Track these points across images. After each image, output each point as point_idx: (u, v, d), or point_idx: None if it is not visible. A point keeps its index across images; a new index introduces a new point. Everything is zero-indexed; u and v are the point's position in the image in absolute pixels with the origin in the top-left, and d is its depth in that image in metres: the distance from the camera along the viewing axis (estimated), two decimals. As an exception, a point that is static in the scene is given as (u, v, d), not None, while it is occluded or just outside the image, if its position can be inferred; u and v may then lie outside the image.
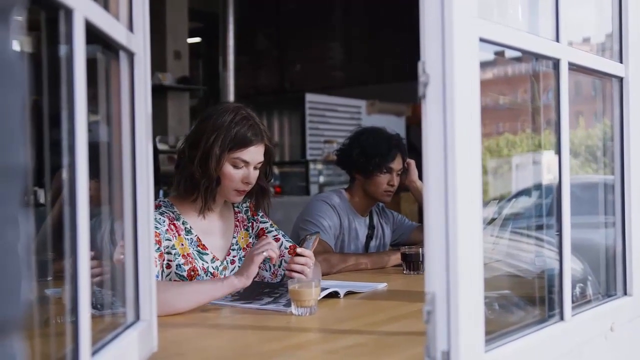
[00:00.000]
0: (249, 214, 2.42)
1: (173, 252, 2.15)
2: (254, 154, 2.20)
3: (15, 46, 0.60)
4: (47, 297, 1.52)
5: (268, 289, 2.14)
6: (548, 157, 1.88)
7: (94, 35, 1.12)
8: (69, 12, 1.00)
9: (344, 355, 1.50)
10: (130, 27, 1.36)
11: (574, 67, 1.58)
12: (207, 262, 2.22)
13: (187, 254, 2.18)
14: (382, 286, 2.35)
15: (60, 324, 1.37)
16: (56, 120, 1.04)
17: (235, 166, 2.19)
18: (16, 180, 0.59)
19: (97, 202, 1.33)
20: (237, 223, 2.38)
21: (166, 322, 1.73)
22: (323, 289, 2.03)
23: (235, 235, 2.35)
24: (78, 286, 1.01)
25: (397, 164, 3.02)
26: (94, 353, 1.10)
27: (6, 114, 0.57)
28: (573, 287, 1.60)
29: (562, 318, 1.51)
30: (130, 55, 1.35)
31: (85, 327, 1.02)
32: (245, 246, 2.36)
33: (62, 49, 1.03)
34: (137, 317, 1.38)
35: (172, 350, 1.52)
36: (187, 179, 2.20)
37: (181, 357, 1.53)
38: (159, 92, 6.98)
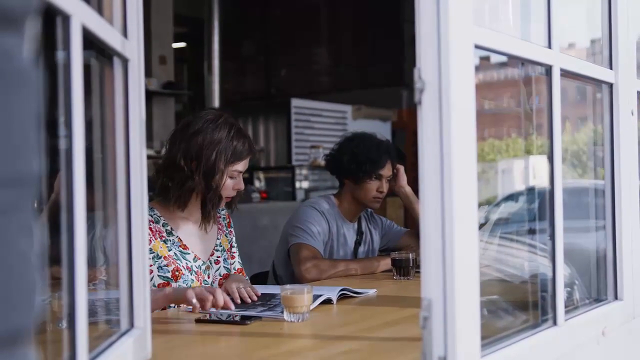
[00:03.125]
0: (226, 222, 2.51)
1: (151, 255, 2.19)
2: (247, 163, 2.34)
3: (29, 55, 0.60)
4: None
5: (261, 300, 2.13)
6: (534, 162, 1.89)
7: (88, 40, 1.11)
8: (66, 18, 0.99)
9: (340, 362, 1.50)
10: (125, 33, 1.35)
11: (565, 73, 1.59)
12: (189, 261, 2.28)
13: (169, 255, 2.24)
14: (372, 292, 2.35)
15: (53, 331, 1.37)
16: (51, 126, 1.03)
17: (231, 177, 2.30)
18: (30, 188, 0.58)
19: (89, 208, 1.32)
20: (220, 226, 2.46)
21: (160, 330, 1.72)
22: (316, 296, 2.03)
23: (218, 237, 2.43)
24: (75, 293, 1.00)
25: (387, 171, 3.02)
26: (90, 361, 1.09)
27: (22, 122, 0.56)
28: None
29: (555, 323, 1.52)
30: (125, 62, 1.35)
31: (83, 334, 1.01)
32: (226, 249, 2.45)
33: (59, 55, 1.02)
34: (132, 325, 1.37)
35: (165, 358, 1.51)
36: (188, 192, 2.26)
37: (175, 364, 1.52)
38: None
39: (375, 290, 2.37)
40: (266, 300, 2.13)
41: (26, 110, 0.58)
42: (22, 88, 0.57)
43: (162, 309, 2.10)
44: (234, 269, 2.45)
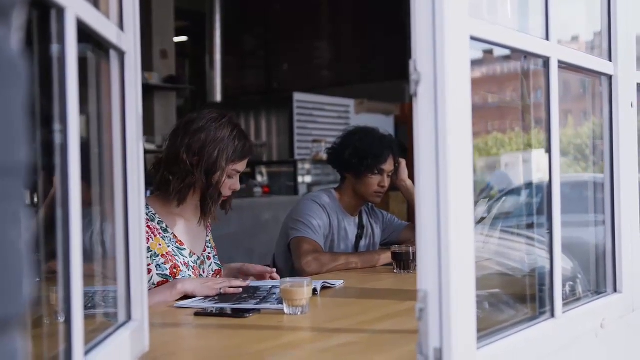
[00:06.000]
0: (210, 221, 2.53)
1: (149, 254, 2.20)
2: (245, 164, 2.37)
3: (16, 45, 0.60)
4: (36, 297, 1.51)
5: (246, 294, 2.13)
6: (537, 156, 1.89)
7: (84, 33, 1.11)
8: (60, 11, 0.99)
9: (337, 354, 1.50)
10: (121, 26, 1.35)
11: (563, 65, 1.58)
12: (186, 257, 2.31)
13: (167, 253, 2.27)
14: (339, 283, 2.37)
15: (50, 325, 1.37)
16: (46, 121, 1.03)
17: (230, 176, 2.33)
18: (18, 178, 0.59)
19: (86, 202, 1.32)
20: (208, 225, 2.50)
21: (157, 323, 1.72)
22: None
23: (208, 234, 2.48)
24: (71, 287, 1.01)
25: (388, 166, 3.02)
26: (87, 353, 1.10)
27: (9, 112, 0.57)
28: (563, 285, 1.61)
29: (553, 315, 1.52)
30: (121, 55, 1.35)
31: (79, 327, 1.01)
32: (214, 246, 2.50)
33: (54, 48, 1.02)
34: (129, 317, 1.37)
35: (163, 350, 1.52)
36: (187, 187, 2.28)
37: (172, 356, 1.52)
38: (145, 92, 6.90)
39: (343, 281, 2.40)
40: (253, 293, 2.13)
41: (13, 100, 0.58)
42: (9, 78, 0.58)
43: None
44: (212, 270, 2.46)
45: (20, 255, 0.58)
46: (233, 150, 2.29)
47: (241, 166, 2.34)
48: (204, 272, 2.37)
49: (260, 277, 2.42)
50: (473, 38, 1.25)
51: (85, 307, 1.14)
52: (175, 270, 2.24)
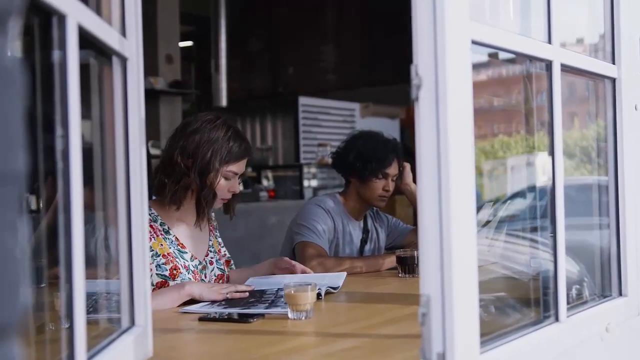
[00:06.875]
0: (215, 224, 2.55)
1: (150, 253, 2.21)
2: (243, 166, 2.36)
3: (13, 52, 0.60)
4: (41, 303, 1.51)
5: (253, 298, 2.13)
6: (542, 159, 1.88)
7: (86, 40, 1.11)
8: (62, 18, 1.00)
9: (341, 358, 1.49)
10: (123, 32, 1.35)
11: (566, 69, 1.58)
12: (187, 261, 2.32)
13: (168, 254, 2.27)
14: (342, 278, 2.39)
15: (55, 330, 1.37)
16: (48, 126, 1.04)
17: (226, 178, 2.32)
18: (15, 186, 0.59)
19: (90, 208, 1.32)
20: (211, 228, 2.50)
21: (161, 328, 1.72)
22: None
23: (211, 238, 2.48)
24: (73, 292, 1.01)
25: (393, 170, 3.01)
26: (90, 358, 1.10)
27: (5, 119, 0.57)
28: (569, 289, 1.60)
29: (557, 319, 1.51)
30: (123, 61, 1.35)
31: (81, 332, 1.02)
32: (217, 250, 2.49)
33: (55, 54, 1.02)
34: (132, 323, 1.37)
35: (167, 356, 1.52)
36: (183, 189, 2.28)
37: (177, 362, 1.52)
38: (151, 97, 6.94)
39: (345, 273, 2.42)
40: (259, 297, 2.13)
41: (11, 108, 0.58)
42: (6, 87, 0.58)
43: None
44: (227, 258, 2.49)
45: (17, 263, 0.58)
46: (227, 151, 2.28)
47: (237, 167, 2.33)
48: (205, 277, 2.37)
49: (290, 271, 2.45)
50: (474, 42, 1.25)
51: (88, 312, 1.14)
52: (175, 272, 2.25)
